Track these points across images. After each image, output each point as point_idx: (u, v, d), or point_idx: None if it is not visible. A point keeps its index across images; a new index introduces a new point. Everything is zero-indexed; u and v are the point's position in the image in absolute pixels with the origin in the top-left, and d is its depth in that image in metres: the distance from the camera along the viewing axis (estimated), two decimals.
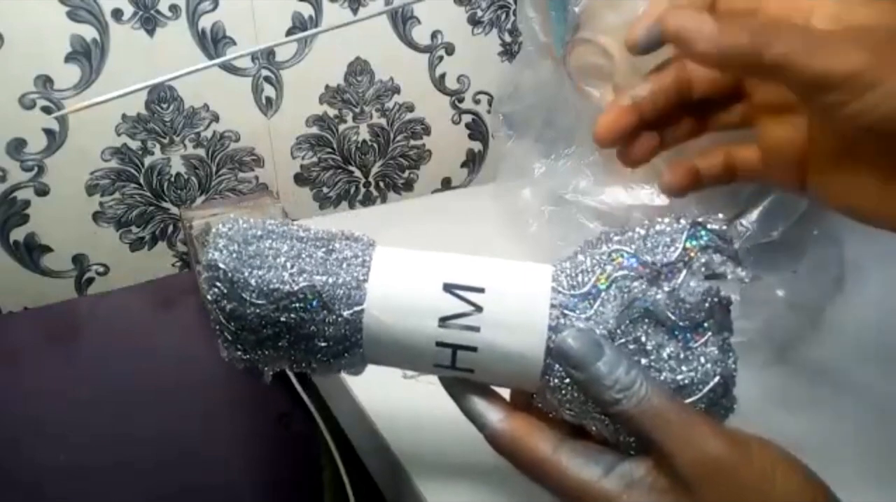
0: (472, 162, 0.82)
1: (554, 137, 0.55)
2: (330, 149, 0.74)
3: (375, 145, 0.76)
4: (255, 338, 0.29)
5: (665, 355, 0.27)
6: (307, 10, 0.67)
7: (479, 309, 0.28)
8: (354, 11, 0.69)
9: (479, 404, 0.29)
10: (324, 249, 0.29)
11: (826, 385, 0.44)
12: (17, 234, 0.63)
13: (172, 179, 0.68)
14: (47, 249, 0.65)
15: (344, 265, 0.28)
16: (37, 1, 0.57)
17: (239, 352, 0.30)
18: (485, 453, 0.39)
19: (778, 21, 0.29)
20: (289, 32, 0.67)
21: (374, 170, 0.77)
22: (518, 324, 0.28)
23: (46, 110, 0.60)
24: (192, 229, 0.68)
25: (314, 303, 0.28)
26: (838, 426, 0.41)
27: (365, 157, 0.76)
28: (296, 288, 0.27)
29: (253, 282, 0.28)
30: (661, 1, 0.30)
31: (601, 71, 0.47)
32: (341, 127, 0.74)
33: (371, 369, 0.46)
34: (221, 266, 0.28)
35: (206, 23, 0.63)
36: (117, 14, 0.60)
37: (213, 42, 0.64)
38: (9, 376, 0.68)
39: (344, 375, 0.46)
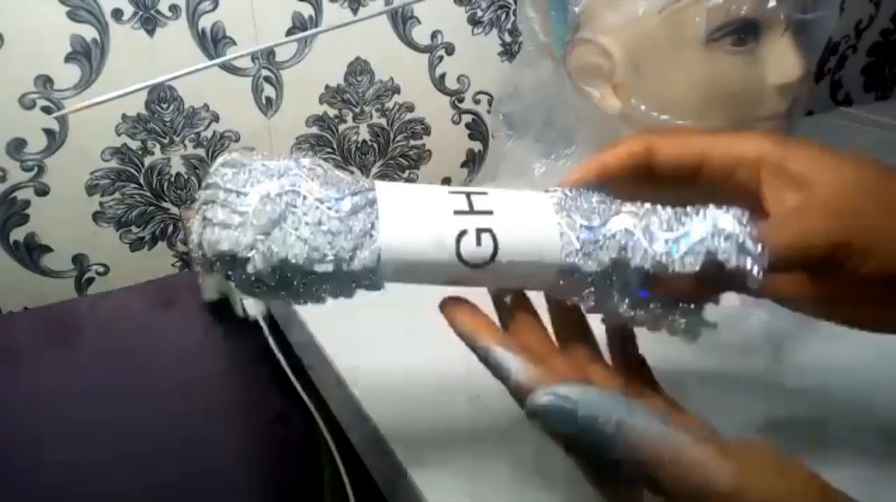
0: (472, 162, 0.82)
1: (554, 137, 0.55)
2: (330, 150, 0.74)
3: (375, 145, 0.76)
4: (249, 287, 0.28)
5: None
6: (307, 10, 0.67)
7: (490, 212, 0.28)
8: (354, 11, 0.68)
9: (503, 356, 0.28)
10: (334, 209, 0.27)
11: (825, 385, 0.44)
12: (17, 234, 0.63)
13: (172, 179, 0.68)
14: (47, 249, 0.65)
15: (354, 217, 0.27)
16: (37, 1, 0.57)
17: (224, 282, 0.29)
18: (484, 452, 0.39)
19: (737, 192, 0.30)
20: (289, 32, 0.67)
21: (374, 170, 0.77)
22: (529, 228, 0.29)
23: (46, 110, 0.60)
24: (192, 229, 0.68)
25: (325, 274, 0.27)
26: (838, 426, 0.41)
27: (365, 157, 0.76)
28: (313, 268, 0.27)
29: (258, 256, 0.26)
30: (592, 162, 0.32)
31: (601, 71, 0.47)
32: (341, 127, 0.74)
33: (371, 371, 0.46)
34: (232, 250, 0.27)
35: (206, 23, 0.63)
36: (117, 14, 0.60)
37: (213, 42, 0.64)
38: (9, 376, 0.68)
39: (343, 375, 0.46)
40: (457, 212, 0.28)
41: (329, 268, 0.27)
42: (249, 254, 0.26)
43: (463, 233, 0.28)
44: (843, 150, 0.30)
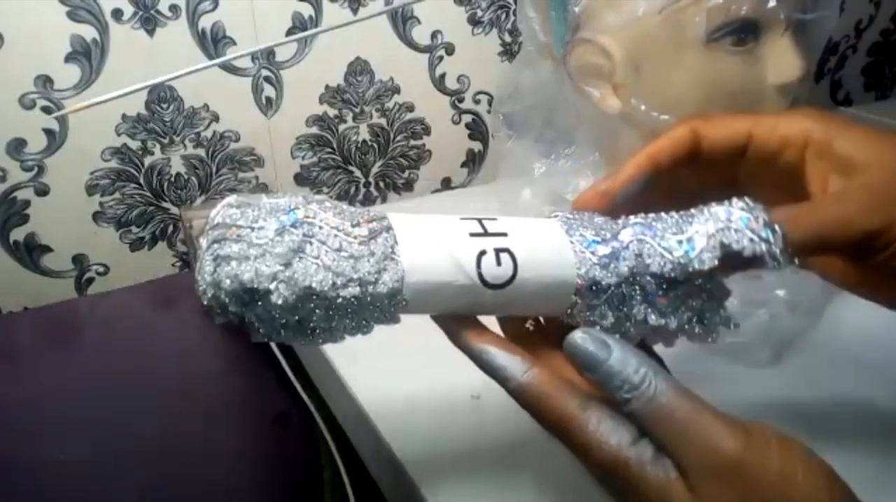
0: (472, 162, 0.82)
1: (554, 137, 0.55)
2: (330, 150, 0.74)
3: (375, 145, 0.76)
4: (269, 325, 0.27)
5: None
6: (307, 10, 0.67)
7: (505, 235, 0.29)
8: (354, 11, 0.68)
9: (501, 356, 0.28)
10: (352, 235, 0.27)
11: (826, 385, 0.44)
12: (17, 234, 0.63)
13: (172, 179, 0.68)
14: (47, 249, 0.65)
15: (373, 242, 0.27)
16: (37, 1, 0.57)
17: (231, 318, 0.27)
18: (484, 453, 0.39)
19: (783, 174, 0.31)
20: (289, 32, 0.67)
21: (374, 170, 0.77)
22: (546, 250, 0.29)
23: (46, 110, 0.60)
24: (192, 229, 0.68)
25: (347, 304, 0.27)
26: (838, 426, 0.41)
27: (365, 157, 0.76)
28: (338, 294, 0.26)
29: (274, 298, 0.25)
30: (640, 157, 0.32)
31: (601, 71, 0.47)
32: (341, 127, 0.74)
33: (372, 370, 0.46)
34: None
35: (206, 23, 0.63)
36: (117, 14, 0.60)
37: (213, 42, 0.64)
38: (8, 376, 0.68)
39: (342, 376, 0.46)
40: (472, 235, 0.28)
41: (355, 291, 0.26)
42: (272, 286, 0.25)
43: (482, 253, 0.28)
44: (891, 134, 0.30)
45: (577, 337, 0.27)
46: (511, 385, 0.28)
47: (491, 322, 0.30)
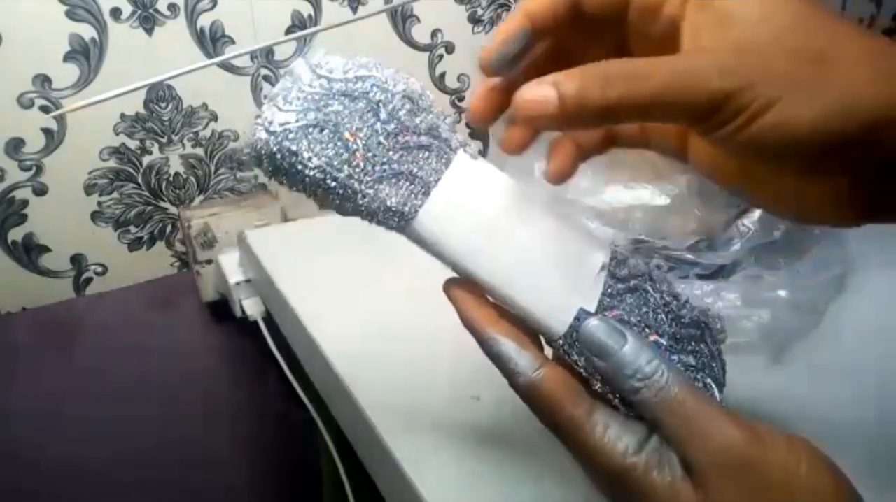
0: None
1: (555, 137, 0.54)
2: None
3: None
4: (290, 185, 0.28)
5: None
6: (306, 9, 0.67)
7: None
8: (354, 10, 0.68)
9: (513, 349, 0.27)
10: (401, 148, 0.27)
11: (826, 385, 0.44)
12: (16, 234, 0.63)
13: (171, 179, 0.68)
14: (45, 249, 0.65)
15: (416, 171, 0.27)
16: (35, 0, 0.57)
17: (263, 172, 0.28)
18: (484, 453, 0.39)
19: (663, 31, 0.27)
20: (288, 31, 0.67)
21: None
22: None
23: (45, 109, 0.60)
24: (190, 229, 0.68)
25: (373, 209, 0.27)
26: (838, 426, 0.41)
27: None
28: (341, 207, 0.27)
29: (312, 166, 0.26)
30: (515, 14, 0.28)
31: None
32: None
33: (371, 371, 0.46)
34: (269, 148, 0.26)
35: (204, 21, 0.63)
36: (116, 13, 0.60)
37: (211, 41, 0.64)
38: (8, 376, 0.67)
39: (342, 376, 0.46)
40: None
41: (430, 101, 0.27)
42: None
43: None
44: None
45: (593, 324, 0.27)
46: (520, 380, 0.27)
47: None
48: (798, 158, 0.23)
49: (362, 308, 0.53)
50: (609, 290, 0.29)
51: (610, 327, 0.27)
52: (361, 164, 0.27)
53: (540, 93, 0.24)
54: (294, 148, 0.26)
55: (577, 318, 0.28)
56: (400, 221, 0.27)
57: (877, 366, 0.46)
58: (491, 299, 0.29)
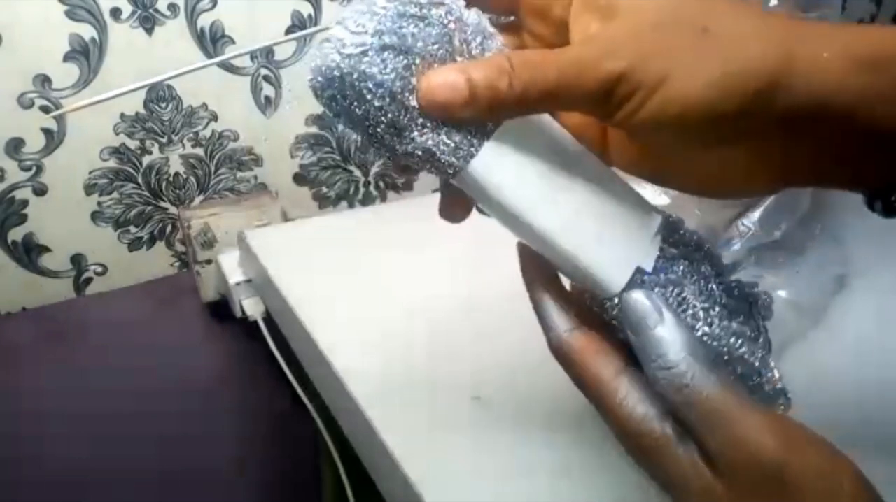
0: None
1: None
2: (329, 149, 0.74)
3: None
4: (336, 117, 0.27)
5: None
6: (306, 9, 0.67)
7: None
8: None
9: (553, 309, 0.28)
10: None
11: (826, 385, 0.44)
12: (16, 234, 0.63)
13: (171, 179, 0.68)
14: (45, 249, 0.65)
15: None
16: (35, 0, 0.57)
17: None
18: (484, 453, 0.39)
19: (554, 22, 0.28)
20: (288, 31, 0.67)
21: (374, 169, 0.77)
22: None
23: (45, 109, 0.60)
24: (190, 229, 0.68)
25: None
26: (838, 426, 0.41)
27: (364, 157, 0.76)
28: (398, 147, 0.26)
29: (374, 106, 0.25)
30: None
31: None
32: (341, 126, 0.73)
33: (371, 371, 0.46)
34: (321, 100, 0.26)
35: (204, 21, 0.63)
36: (116, 13, 0.60)
37: (211, 41, 0.64)
38: (7, 377, 0.67)
39: (342, 376, 0.46)
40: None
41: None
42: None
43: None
44: None
45: (635, 295, 0.26)
46: (552, 335, 0.28)
47: None
48: (696, 131, 0.24)
49: (362, 308, 0.53)
50: (664, 253, 0.28)
51: (652, 304, 0.26)
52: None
53: (450, 77, 0.24)
54: (369, 70, 0.25)
55: (632, 278, 0.27)
56: (459, 160, 0.26)
57: (877, 366, 0.46)
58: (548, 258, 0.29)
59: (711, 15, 0.24)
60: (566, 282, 0.29)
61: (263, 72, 0.67)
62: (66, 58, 0.59)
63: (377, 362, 0.47)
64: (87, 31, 0.59)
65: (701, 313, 0.28)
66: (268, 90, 0.68)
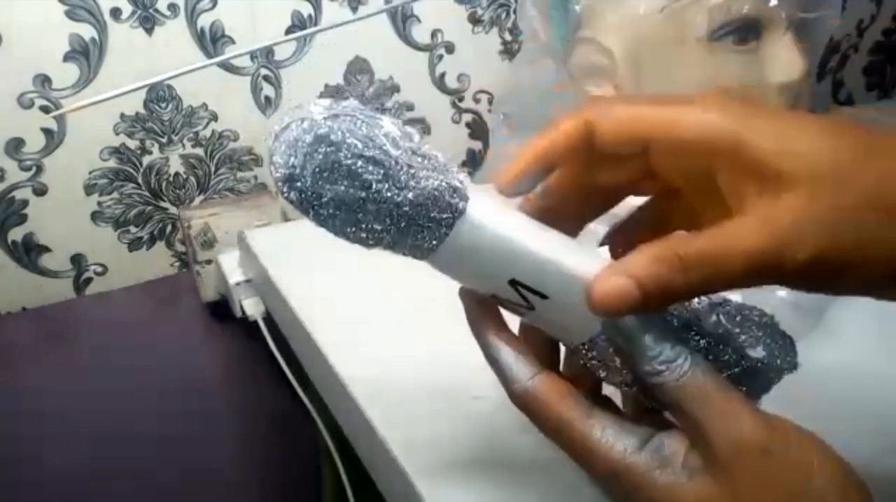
0: (472, 161, 0.82)
1: None
2: None
3: None
4: (321, 207, 0.27)
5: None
6: (306, 9, 0.67)
7: (532, 307, 0.28)
8: (354, 10, 0.68)
9: (510, 357, 0.28)
10: (407, 220, 0.26)
11: (826, 385, 0.44)
12: (16, 234, 0.63)
13: (171, 179, 0.68)
14: (45, 249, 0.65)
15: (422, 235, 0.27)
16: (35, 0, 0.57)
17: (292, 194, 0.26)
18: (484, 453, 0.39)
19: (693, 186, 0.26)
20: (288, 31, 0.67)
21: None
22: (577, 315, 0.27)
23: (45, 109, 0.60)
24: (190, 229, 0.68)
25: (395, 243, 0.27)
26: (838, 426, 0.41)
27: None
28: (398, 198, 0.26)
29: (322, 221, 0.26)
30: (527, 154, 0.29)
31: (602, 70, 0.47)
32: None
33: (371, 371, 0.46)
34: (287, 196, 0.25)
35: (204, 21, 0.63)
36: (116, 13, 0.60)
37: (211, 41, 0.64)
38: (7, 377, 0.67)
39: (341, 376, 0.46)
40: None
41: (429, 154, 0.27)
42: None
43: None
44: (821, 119, 0.24)
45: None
46: (516, 387, 0.28)
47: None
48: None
49: (362, 308, 0.53)
50: None
51: (635, 313, 0.26)
52: (404, 153, 0.26)
53: (618, 284, 0.24)
54: (348, 126, 0.25)
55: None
56: (450, 217, 0.26)
57: (877, 366, 0.46)
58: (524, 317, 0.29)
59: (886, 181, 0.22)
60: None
61: (263, 72, 0.67)
62: (66, 58, 0.59)
63: (377, 362, 0.47)
64: (87, 31, 0.59)
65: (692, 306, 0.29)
66: (268, 90, 0.68)
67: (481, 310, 0.29)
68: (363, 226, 0.26)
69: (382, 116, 0.27)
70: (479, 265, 0.27)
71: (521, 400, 0.28)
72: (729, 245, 0.23)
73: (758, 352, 0.29)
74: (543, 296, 0.27)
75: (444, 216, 0.26)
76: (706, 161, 0.25)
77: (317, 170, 0.25)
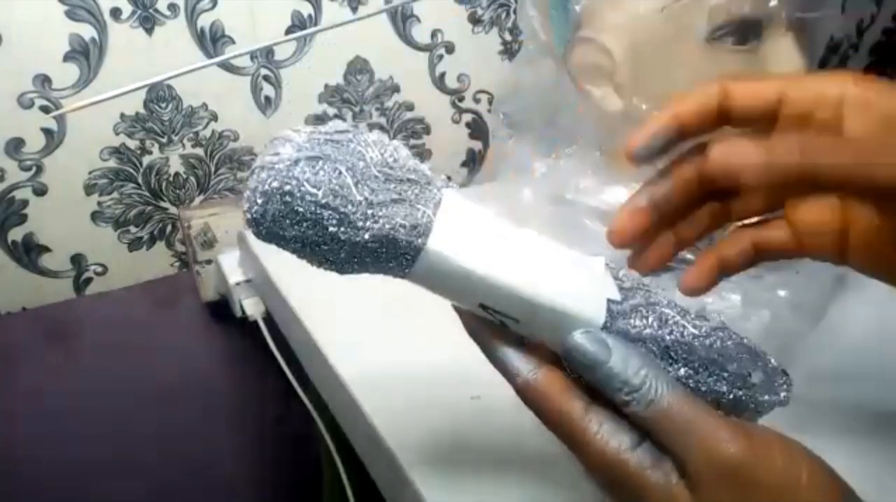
0: (472, 161, 0.82)
1: (555, 137, 0.54)
2: None
3: None
4: (286, 244, 0.28)
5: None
6: (306, 9, 0.67)
7: (515, 321, 0.28)
8: (354, 10, 0.68)
9: (511, 354, 0.28)
10: (371, 252, 0.27)
11: (826, 385, 0.44)
12: (16, 234, 0.63)
13: (171, 179, 0.68)
14: (45, 249, 0.65)
15: (393, 262, 0.28)
16: (35, 0, 0.57)
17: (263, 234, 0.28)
18: (484, 453, 0.39)
19: (820, 132, 0.28)
20: (288, 31, 0.67)
21: None
22: (552, 337, 0.28)
23: (45, 109, 0.60)
24: (190, 229, 0.68)
25: (364, 255, 0.27)
26: (838, 426, 0.41)
27: None
28: (356, 239, 0.27)
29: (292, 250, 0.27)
30: (665, 113, 0.30)
31: (602, 70, 0.47)
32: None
33: (371, 371, 0.46)
34: (253, 229, 0.26)
35: (204, 21, 0.63)
36: (116, 13, 0.60)
37: (211, 41, 0.64)
38: (7, 377, 0.67)
39: (341, 376, 0.46)
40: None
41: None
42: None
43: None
44: None
45: (578, 337, 0.27)
46: (518, 380, 0.28)
47: None
48: None
49: (362, 308, 0.53)
50: (620, 285, 0.29)
51: (595, 339, 0.27)
52: (368, 189, 0.27)
53: (740, 152, 0.26)
54: (306, 176, 0.26)
55: (608, 309, 0.28)
56: (413, 242, 0.27)
57: (877, 366, 0.46)
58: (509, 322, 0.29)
59: None
60: None
61: (263, 72, 0.67)
62: (66, 58, 0.59)
63: (377, 362, 0.47)
64: (87, 31, 0.59)
65: (679, 318, 0.29)
66: (268, 90, 0.68)
67: (475, 317, 0.29)
68: (328, 259, 0.28)
69: (363, 138, 0.28)
70: (449, 289, 0.28)
71: (524, 392, 0.28)
72: (844, 142, 0.26)
73: (755, 378, 0.29)
74: (515, 320, 0.28)
75: (404, 253, 0.27)
76: (835, 112, 0.27)
77: (276, 215, 0.26)
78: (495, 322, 0.29)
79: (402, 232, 0.27)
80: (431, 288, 0.28)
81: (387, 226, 0.26)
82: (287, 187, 0.26)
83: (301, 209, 0.26)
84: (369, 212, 0.26)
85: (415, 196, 0.28)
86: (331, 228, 0.26)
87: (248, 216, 0.27)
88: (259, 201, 0.26)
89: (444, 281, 0.28)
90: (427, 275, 0.28)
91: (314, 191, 0.26)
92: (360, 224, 0.26)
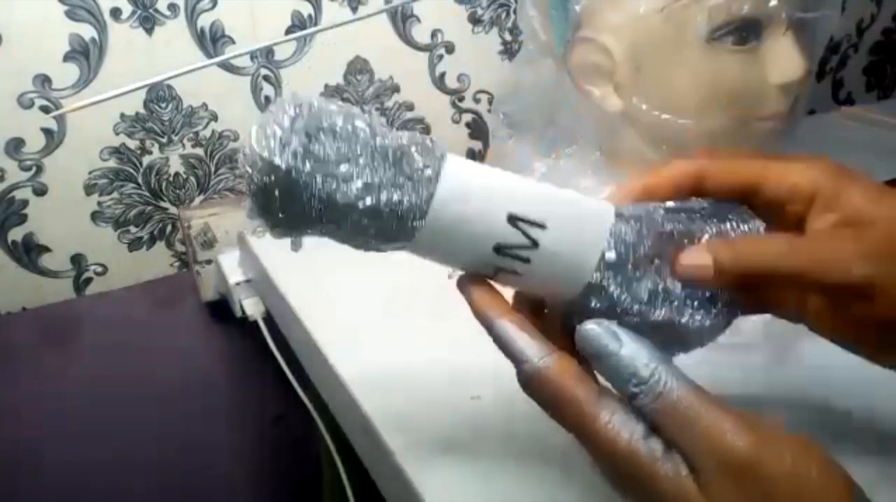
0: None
1: (555, 137, 0.54)
2: None
3: None
4: (300, 224, 0.29)
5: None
6: (306, 9, 0.67)
7: (535, 244, 0.28)
8: (354, 10, 0.68)
9: (521, 337, 0.28)
10: (392, 160, 0.28)
11: (826, 385, 0.44)
12: (16, 234, 0.63)
13: (171, 179, 0.68)
14: (45, 249, 0.65)
15: (413, 178, 0.28)
16: (35, 0, 0.57)
17: (276, 228, 0.29)
18: (484, 453, 0.39)
19: (786, 226, 0.30)
20: (288, 31, 0.67)
21: None
22: (566, 268, 0.29)
23: (45, 109, 0.60)
24: (190, 229, 0.68)
25: (374, 217, 0.28)
26: (839, 426, 0.41)
27: None
28: (361, 206, 0.27)
29: (314, 189, 0.27)
30: (634, 185, 0.32)
31: (602, 70, 0.47)
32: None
33: (371, 371, 0.46)
34: (279, 163, 0.27)
35: (204, 21, 0.63)
36: (116, 13, 0.60)
37: (211, 41, 0.64)
38: (7, 377, 0.67)
39: (341, 376, 0.46)
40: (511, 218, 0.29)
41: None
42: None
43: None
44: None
45: (589, 327, 0.27)
46: (526, 367, 0.28)
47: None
48: None
49: (362, 308, 0.53)
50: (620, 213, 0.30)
51: (606, 330, 0.27)
52: (372, 150, 0.28)
53: (698, 259, 0.29)
54: (321, 138, 0.27)
55: (611, 233, 0.29)
56: (425, 189, 0.28)
57: (877, 366, 0.46)
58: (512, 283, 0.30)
59: None
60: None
61: (263, 72, 0.67)
62: (66, 58, 0.59)
63: (377, 362, 0.47)
64: (87, 31, 0.59)
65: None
66: (268, 90, 0.68)
67: (483, 296, 0.29)
68: (347, 177, 0.28)
69: (352, 114, 0.29)
70: (469, 217, 0.28)
71: (531, 379, 0.28)
72: (795, 243, 0.28)
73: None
74: (543, 227, 0.28)
75: (426, 166, 0.29)
76: (806, 205, 0.30)
77: (307, 127, 0.28)
78: (511, 271, 0.28)
79: (418, 149, 0.29)
80: (451, 223, 0.28)
81: (405, 140, 0.29)
82: (313, 108, 0.27)
83: (327, 124, 0.27)
84: (380, 166, 0.28)
85: (422, 142, 0.30)
86: (361, 134, 0.28)
87: (275, 142, 0.27)
88: (286, 123, 0.27)
89: (465, 205, 0.28)
90: (449, 202, 0.28)
91: (334, 108, 0.28)
92: (384, 131, 0.28)
